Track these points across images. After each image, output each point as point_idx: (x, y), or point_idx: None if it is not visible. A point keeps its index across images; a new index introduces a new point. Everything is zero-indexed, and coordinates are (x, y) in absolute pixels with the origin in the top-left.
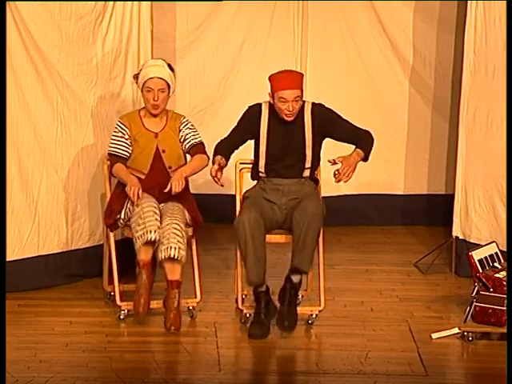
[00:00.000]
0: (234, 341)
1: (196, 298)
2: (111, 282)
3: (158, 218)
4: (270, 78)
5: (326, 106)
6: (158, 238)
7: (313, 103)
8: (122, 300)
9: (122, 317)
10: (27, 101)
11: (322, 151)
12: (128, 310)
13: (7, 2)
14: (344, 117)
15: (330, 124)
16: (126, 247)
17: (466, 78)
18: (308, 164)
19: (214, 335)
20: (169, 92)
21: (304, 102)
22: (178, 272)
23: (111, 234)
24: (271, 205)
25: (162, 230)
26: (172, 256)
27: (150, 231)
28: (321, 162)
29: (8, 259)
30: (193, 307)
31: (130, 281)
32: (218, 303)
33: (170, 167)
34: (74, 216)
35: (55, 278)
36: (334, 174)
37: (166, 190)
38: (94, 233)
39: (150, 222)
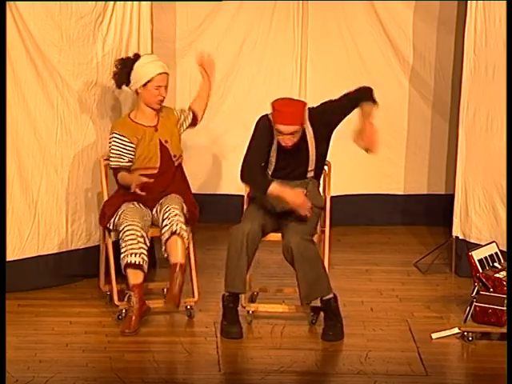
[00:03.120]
0: (234, 341)
1: (194, 297)
2: (107, 281)
3: (142, 240)
4: (272, 107)
5: (316, 105)
6: (141, 261)
7: (309, 112)
8: (119, 300)
9: (120, 317)
10: (27, 101)
11: (329, 150)
12: (126, 310)
13: (7, 2)
14: (334, 98)
15: (325, 118)
16: None
17: (465, 78)
18: (311, 167)
19: (214, 335)
20: None
21: None
22: (181, 253)
23: (107, 235)
24: (273, 208)
25: (162, 213)
26: (174, 231)
27: (131, 254)
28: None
29: (8, 259)
30: (190, 306)
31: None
32: (218, 303)
33: (174, 156)
34: (74, 216)
35: (55, 278)
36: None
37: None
38: (94, 233)
39: (131, 245)
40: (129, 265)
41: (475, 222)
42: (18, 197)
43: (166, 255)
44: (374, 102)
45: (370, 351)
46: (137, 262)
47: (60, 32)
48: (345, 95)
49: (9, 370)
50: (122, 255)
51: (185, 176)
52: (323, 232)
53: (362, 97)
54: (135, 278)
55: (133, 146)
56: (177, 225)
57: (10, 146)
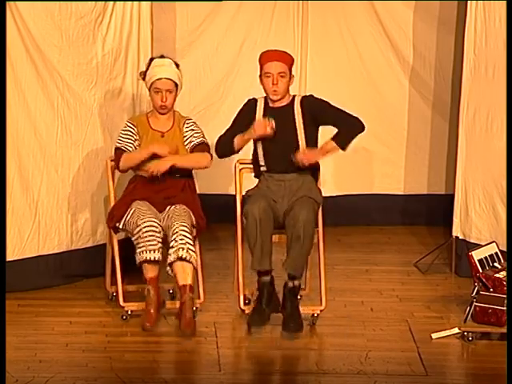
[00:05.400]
0: (234, 341)
1: (200, 298)
2: (113, 282)
3: (159, 235)
4: (259, 56)
5: (315, 96)
6: (158, 257)
7: (302, 96)
8: (125, 301)
9: (125, 317)
10: (27, 101)
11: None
12: (131, 311)
13: (7, 2)
14: (334, 104)
15: (318, 111)
16: (128, 247)
17: (465, 78)
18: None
19: (214, 335)
20: (176, 91)
21: (294, 96)
22: (190, 275)
23: (114, 235)
24: (273, 203)
25: (171, 233)
26: (181, 256)
27: (150, 251)
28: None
29: (8, 259)
30: (196, 308)
31: (133, 281)
32: (218, 303)
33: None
34: (75, 216)
35: (55, 277)
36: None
37: (148, 171)
38: (95, 233)
39: (149, 241)
40: (147, 261)
41: (475, 222)
42: (18, 197)
43: (169, 272)
44: (344, 147)
45: (369, 351)
46: (156, 258)
47: (60, 32)
48: (343, 113)
49: (9, 370)
50: (138, 250)
51: (194, 185)
52: (318, 231)
53: (343, 135)
54: (152, 271)
55: (137, 138)
56: (183, 250)
57: (11, 146)
